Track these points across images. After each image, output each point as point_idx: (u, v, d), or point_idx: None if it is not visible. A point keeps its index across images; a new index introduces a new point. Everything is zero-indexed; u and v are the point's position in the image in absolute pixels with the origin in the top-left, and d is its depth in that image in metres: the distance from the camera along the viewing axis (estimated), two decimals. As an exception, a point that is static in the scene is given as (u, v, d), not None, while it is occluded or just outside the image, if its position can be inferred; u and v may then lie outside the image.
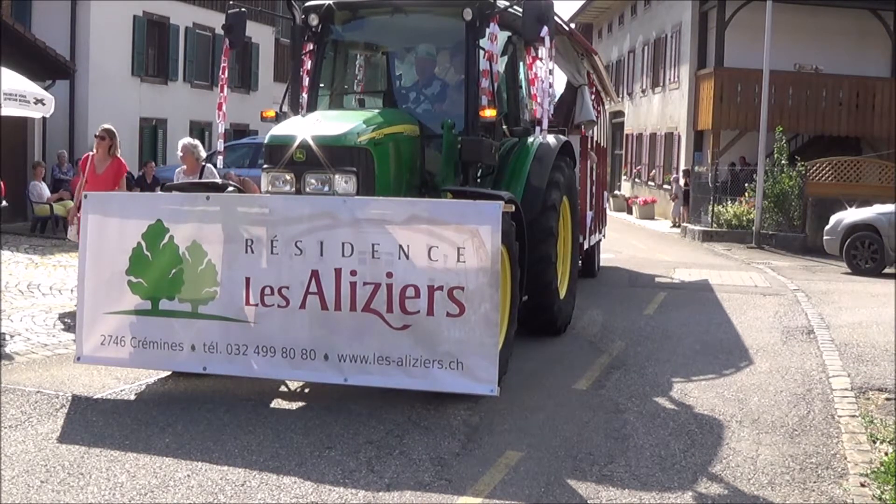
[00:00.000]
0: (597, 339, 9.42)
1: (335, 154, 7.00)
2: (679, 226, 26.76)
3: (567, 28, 11.93)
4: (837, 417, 6.75)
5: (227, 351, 6.57)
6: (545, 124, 8.06)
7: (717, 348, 9.15)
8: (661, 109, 31.11)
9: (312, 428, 5.99)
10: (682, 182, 27.51)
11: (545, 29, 7.66)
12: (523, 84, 9.55)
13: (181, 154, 10.29)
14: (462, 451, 5.66)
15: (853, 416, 6.80)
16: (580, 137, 12.52)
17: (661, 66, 30.98)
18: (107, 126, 10.35)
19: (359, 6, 8.61)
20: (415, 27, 8.77)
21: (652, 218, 29.64)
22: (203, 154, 10.40)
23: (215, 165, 10.16)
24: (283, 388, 7.00)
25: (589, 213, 12.91)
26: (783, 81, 24.69)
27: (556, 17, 8.50)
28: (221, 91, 8.57)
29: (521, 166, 8.65)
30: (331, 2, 8.44)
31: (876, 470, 5.54)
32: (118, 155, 10.14)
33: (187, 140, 10.47)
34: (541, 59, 8.12)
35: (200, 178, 9.86)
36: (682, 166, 27.56)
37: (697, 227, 23.85)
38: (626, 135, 36.35)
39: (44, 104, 12.21)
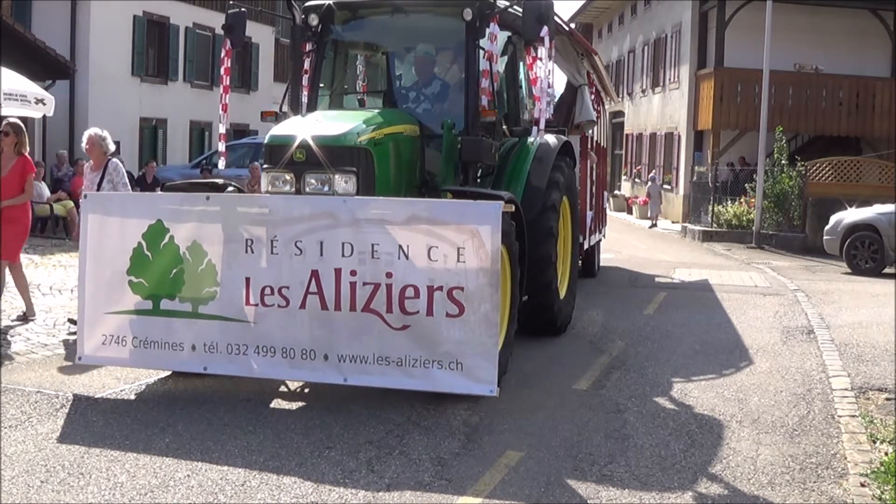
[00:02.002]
0: (597, 339, 9.42)
1: (335, 154, 7.00)
2: (655, 224, 26.99)
3: (567, 28, 11.93)
4: (837, 417, 6.75)
5: (228, 351, 6.57)
6: (542, 124, 8.06)
7: (717, 348, 9.15)
8: (661, 109, 31.12)
9: (312, 428, 5.99)
10: (658, 182, 27.90)
11: (545, 29, 7.67)
12: (523, 84, 9.55)
13: (86, 146, 9.14)
14: (462, 451, 5.66)
15: (853, 416, 6.80)
16: (580, 137, 12.52)
17: (661, 66, 30.98)
18: (12, 120, 9.19)
19: (359, 6, 8.61)
20: (415, 27, 8.78)
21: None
22: (111, 147, 9.22)
23: (216, 166, 10.00)
24: (283, 388, 7.00)
25: (589, 213, 12.92)
26: (783, 81, 24.70)
27: (556, 17, 8.50)
28: (225, 92, 8.55)
29: (521, 166, 8.66)
30: (331, 2, 8.44)
31: (876, 470, 5.54)
32: (25, 153, 9.00)
33: (94, 130, 9.21)
34: (541, 60, 8.12)
35: (104, 174, 9.00)
36: (683, 166, 27.63)
37: (697, 227, 23.87)
38: (626, 135, 36.36)
39: (44, 104, 12.22)
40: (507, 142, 8.91)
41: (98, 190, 8.88)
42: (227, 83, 8.58)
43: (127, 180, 9.34)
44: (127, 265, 6.74)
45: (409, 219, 6.31)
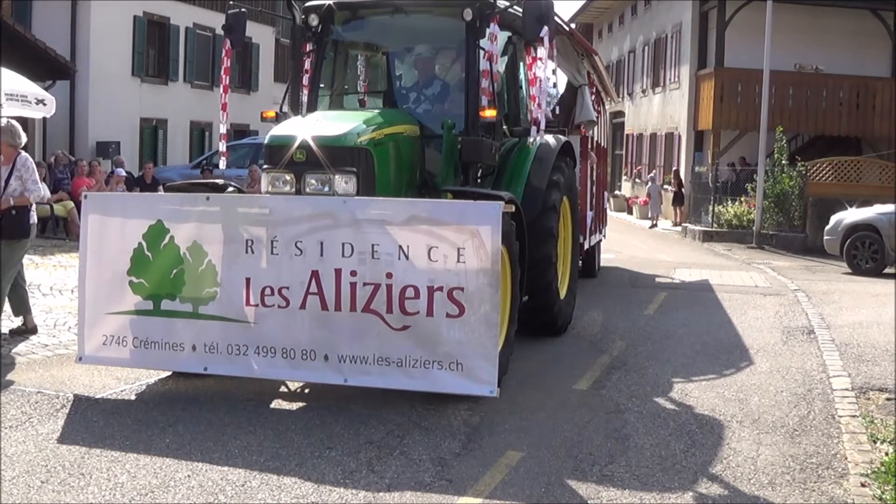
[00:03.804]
0: (597, 339, 9.42)
1: (335, 154, 7.00)
2: (655, 225, 27.02)
3: (567, 28, 11.92)
4: (838, 417, 6.75)
5: (228, 351, 6.57)
6: (542, 125, 8.05)
7: (717, 348, 9.15)
8: (661, 109, 31.12)
9: (313, 428, 5.99)
10: (658, 182, 28.30)
11: (545, 29, 7.66)
12: (523, 84, 9.55)
13: None
14: (462, 451, 5.66)
15: (854, 416, 6.80)
16: (580, 138, 12.52)
17: (661, 66, 30.98)
18: None
19: (359, 6, 8.61)
20: (415, 27, 8.77)
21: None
22: (22, 140, 8.27)
23: (217, 166, 9.82)
24: (283, 389, 7.00)
25: (589, 214, 12.91)
26: (783, 81, 24.69)
27: (556, 18, 8.50)
28: (225, 92, 8.55)
29: (521, 167, 8.65)
30: (331, 2, 8.44)
31: (876, 470, 5.54)
32: None
33: (2, 121, 8.27)
34: (541, 60, 8.12)
35: (12, 169, 8.11)
36: (683, 167, 27.65)
37: (698, 227, 23.88)
38: (627, 135, 36.36)
39: (45, 105, 12.22)
40: (508, 142, 8.90)
41: (5, 187, 8.08)
42: (227, 83, 8.58)
43: (37, 177, 8.40)
44: (127, 265, 6.73)
45: (410, 219, 6.31)
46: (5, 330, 8.53)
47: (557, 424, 6.29)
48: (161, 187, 9.36)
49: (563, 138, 9.73)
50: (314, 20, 8.50)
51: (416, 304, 6.25)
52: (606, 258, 16.40)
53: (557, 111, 11.57)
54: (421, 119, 8.11)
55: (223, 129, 8.73)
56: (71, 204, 16.57)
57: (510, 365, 7.21)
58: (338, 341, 6.39)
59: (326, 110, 8.48)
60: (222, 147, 9.02)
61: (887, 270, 16.63)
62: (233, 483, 5.03)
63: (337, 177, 6.98)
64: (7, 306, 8.44)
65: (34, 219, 8.48)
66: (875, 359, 8.87)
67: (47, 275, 12.06)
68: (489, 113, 7.90)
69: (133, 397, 6.70)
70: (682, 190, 26.57)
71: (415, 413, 6.34)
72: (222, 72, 8.55)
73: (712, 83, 25.62)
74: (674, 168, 27.88)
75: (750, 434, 6.26)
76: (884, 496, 5.15)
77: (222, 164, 9.24)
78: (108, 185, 18.27)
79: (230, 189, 7.62)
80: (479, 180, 8.27)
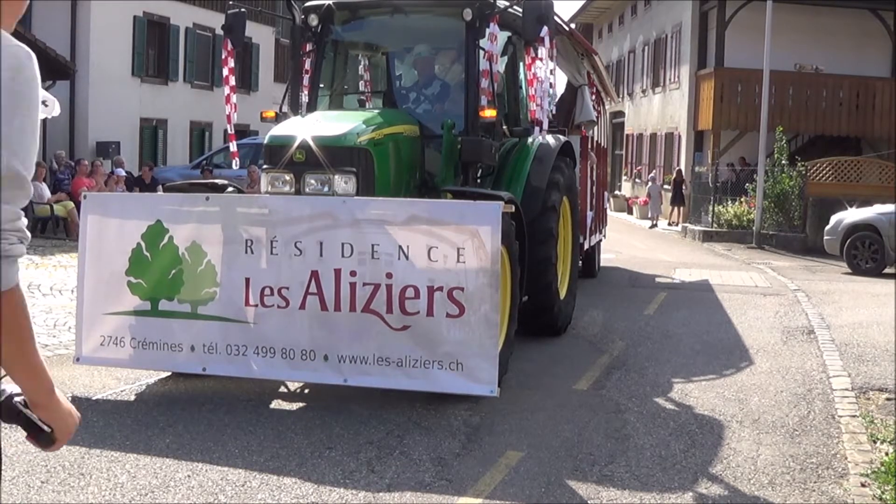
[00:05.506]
0: (597, 339, 9.42)
1: (335, 154, 7.00)
2: (655, 225, 27.03)
3: (567, 28, 11.92)
4: (838, 417, 6.75)
5: (227, 351, 6.57)
6: (545, 125, 8.05)
7: (717, 348, 9.14)
8: (661, 109, 31.12)
9: (313, 428, 5.99)
10: (658, 182, 28.37)
11: (545, 29, 7.67)
12: (523, 84, 9.56)
13: None
14: (462, 451, 5.65)
15: (854, 416, 6.79)
16: (580, 138, 12.52)
17: (661, 66, 30.99)
18: None
19: (359, 6, 8.61)
20: (415, 27, 8.78)
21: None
22: None
23: (228, 167, 9.81)
24: (282, 389, 7.00)
25: (589, 214, 12.91)
26: (783, 81, 24.70)
27: (556, 18, 8.50)
28: (232, 92, 8.42)
29: (521, 167, 8.65)
30: (331, 2, 8.44)
31: (876, 470, 5.53)
32: None
33: None
34: (541, 60, 8.12)
35: None
36: (683, 166, 27.66)
37: (698, 227, 23.88)
38: (627, 135, 36.36)
39: (46, 105, 12.20)
40: (508, 142, 8.90)
41: None
42: (234, 83, 8.46)
43: None
44: (126, 266, 6.73)
45: (409, 219, 6.31)
46: None
47: (557, 424, 6.28)
48: (160, 187, 9.39)
49: (563, 138, 9.72)
50: (314, 20, 8.50)
51: (416, 304, 6.25)
52: (606, 258, 16.40)
53: (554, 111, 11.58)
54: (421, 119, 8.11)
55: (231, 130, 8.65)
56: (71, 204, 16.58)
57: (510, 365, 7.21)
58: (337, 341, 6.39)
59: (326, 110, 8.48)
60: (233, 147, 8.99)
61: (887, 270, 16.63)
62: (233, 483, 5.03)
63: (336, 177, 6.99)
64: None
65: None
66: (875, 359, 8.87)
67: (47, 275, 12.06)
68: (489, 113, 7.90)
69: (133, 397, 6.70)
70: (683, 189, 26.56)
71: (415, 413, 6.34)
72: (227, 71, 8.48)
73: (712, 83, 25.62)
74: (676, 168, 27.87)
75: (750, 434, 6.26)
76: (884, 496, 5.14)
77: (235, 164, 9.26)
78: (108, 186, 18.26)
79: (229, 189, 7.62)
80: (478, 180, 8.28)
